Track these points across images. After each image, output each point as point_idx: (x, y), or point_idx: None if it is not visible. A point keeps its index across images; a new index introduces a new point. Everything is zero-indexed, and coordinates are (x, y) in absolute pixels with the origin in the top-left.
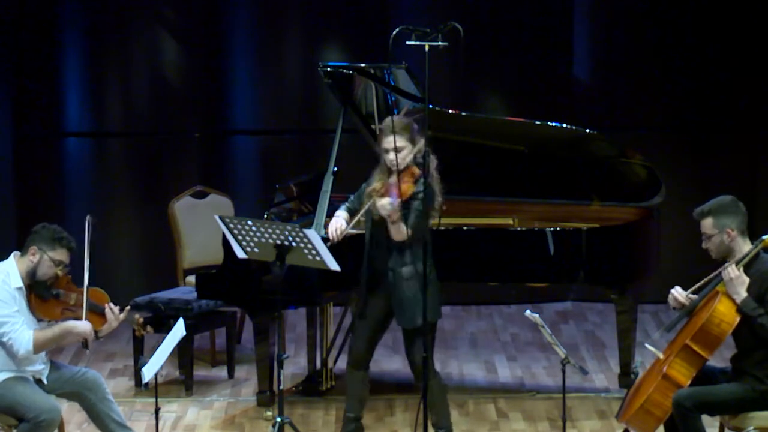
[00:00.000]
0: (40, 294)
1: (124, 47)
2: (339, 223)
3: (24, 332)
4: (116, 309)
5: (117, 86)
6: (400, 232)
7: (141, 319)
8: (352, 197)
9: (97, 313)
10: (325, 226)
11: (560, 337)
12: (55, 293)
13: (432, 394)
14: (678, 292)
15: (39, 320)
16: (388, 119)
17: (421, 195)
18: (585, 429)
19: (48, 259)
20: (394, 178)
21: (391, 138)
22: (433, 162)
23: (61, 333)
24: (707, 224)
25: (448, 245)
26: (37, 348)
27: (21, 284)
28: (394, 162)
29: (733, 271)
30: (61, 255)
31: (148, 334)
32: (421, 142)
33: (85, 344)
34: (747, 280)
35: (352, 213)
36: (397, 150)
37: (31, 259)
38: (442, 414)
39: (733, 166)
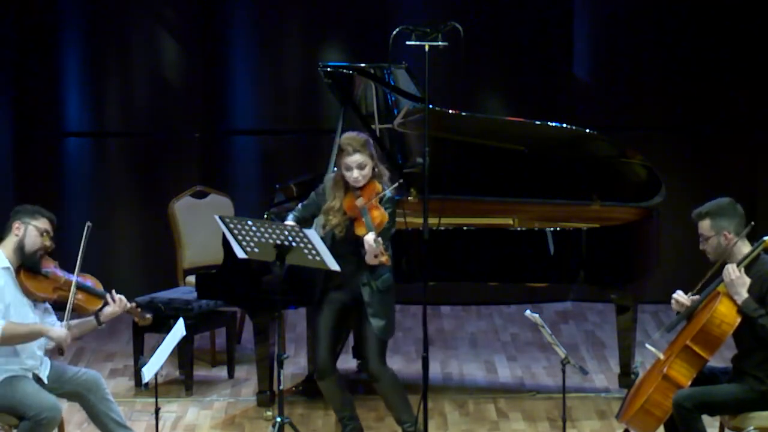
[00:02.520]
0: (30, 269)
1: (124, 47)
2: None
3: None
4: (117, 296)
5: (117, 86)
6: (381, 261)
7: (139, 309)
8: (299, 206)
9: (94, 295)
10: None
11: (560, 337)
12: (45, 273)
13: (385, 391)
14: (680, 296)
15: (34, 301)
16: (348, 137)
17: (389, 211)
18: (585, 429)
19: (33, 227)
20: (361, 201)
21: (356, 156)
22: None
23: (33, 331)
24: (704, 226)
25: (448, 245)
26: (5, 339)
27: (8, 264)
28: (358, 179)
29: (734, 272)
30: (44, 224)
31: (146, 322)
32: (377, 154)
33: (60, 351)
34: (748, 281)
35: (301, 223)
36: (360, 167)
37: (17, 233)
38: (400, 408)
39: (733, 166)
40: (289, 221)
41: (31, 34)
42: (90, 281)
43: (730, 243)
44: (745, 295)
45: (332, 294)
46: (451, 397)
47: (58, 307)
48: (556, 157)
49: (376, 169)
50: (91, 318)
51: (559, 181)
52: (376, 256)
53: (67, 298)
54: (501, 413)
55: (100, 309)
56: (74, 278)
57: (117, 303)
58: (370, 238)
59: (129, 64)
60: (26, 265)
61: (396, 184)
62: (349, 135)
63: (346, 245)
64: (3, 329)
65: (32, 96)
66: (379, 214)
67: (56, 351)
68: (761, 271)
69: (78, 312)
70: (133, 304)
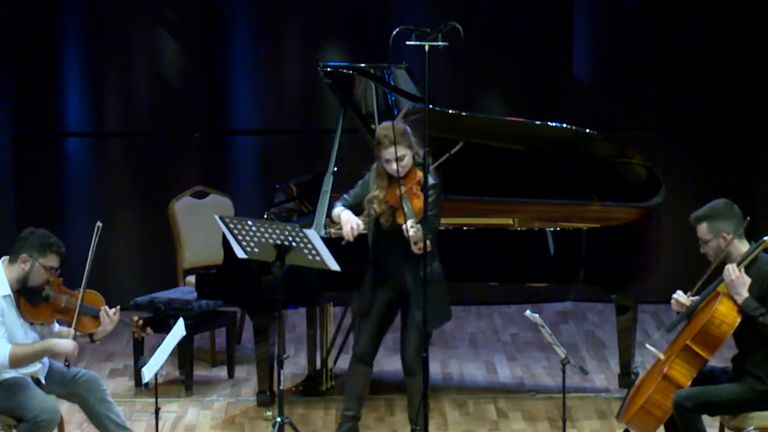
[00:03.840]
0: (30, 299)
1: (124, 47)
2: (355, 222)
3: (1, 345)
4: (111, 312)
5: (117, 86)
6: (424, 248)
7: (140, 321)
8: (345, 195)
9: (91, 315)
10: (326, 226)
11: (560, 337)
12: (45, 296)
13: (414, 388)
14: (680, 296)
15: (32, 324)
16: (384, 128)
17: (431, 199)
18: (585, 429)
19: (39, 266)
20: (403, 189)
21: (391, 149)
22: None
23: (41, 350)
24: (702, 229)
25: (448, 245)
26: (13, 363)
27: (9, 291)
28: (397, 171)
29: (734, 272)
30: (52, 261)
31: (147, 335)
32: (414, 141)
33: (67, 362)
34: (748, 280)
35: (351, 209)
36: (399, 159)
37: (23, 267)
38: (418, 409)
39: (733, 166)
40: (343, 208)
41: (31, 34)
42: (90, 303)
43: (729, 244)
44: (745, 294)
45: (380, 284)
46: (451, 397)
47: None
48: (556, 157)
49: (416, 157)
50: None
51: (559, 181)
52: (416, 244)
53: (65, 320)
54: (501, 413)
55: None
56: (82, 289)
57: (110, 320)
58: (409, 225)
59: (129, 64)
60: (25, 296)
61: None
62: (385, 126)
63: (392, 236)
64: (10, 353)
65: (32, 96)
66: (419, 202)
67: (64, 362)
68: (761, 270)
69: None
70: (136, 318)
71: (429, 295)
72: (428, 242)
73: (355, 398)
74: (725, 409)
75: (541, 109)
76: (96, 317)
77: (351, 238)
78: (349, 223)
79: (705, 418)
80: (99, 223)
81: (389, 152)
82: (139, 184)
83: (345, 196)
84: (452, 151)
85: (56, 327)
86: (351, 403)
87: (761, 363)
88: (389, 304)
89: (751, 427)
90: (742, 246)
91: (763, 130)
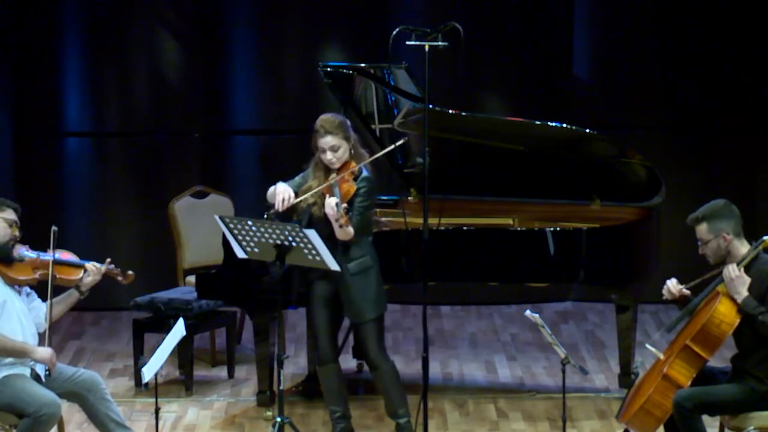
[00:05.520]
0: (4, 259)
1: (124, 47)
2: (287, 194)
3: None
4: (97, 264)
5: (117, 86)
6: (346, 233)
7: (118, 269)
8: (289, 181)
9: (73, 266)
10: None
11: (560, 337)
12: (19, 258)
13: (383, 380)
14: (672, 284)
15: (19, 288)
16: (322, 119)
17: (362, 190)
18: (585, 429)
19: (1, 220)
20: (333, 176)
21: (327, 138)
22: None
23: (19, 349)
24: (702, 230)
25: (448, 245)
26: None
27: None
28: (332, 161)
29: (734, 271)
30: (11, 214)
31: (128, 280)
32: (354, 136)
33: (47, 371)
34: (748, 280)
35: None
36: (333, 149)
37: None
38: (396, 401)
39: (733, 166)
40: (281, 184)
41: (31, 34)
42: (66, 255)
43: (729, 244)
44: (745, 293)
45: (319, 283)
46: (451, 397)
47: (40, 288)
48: (556, 157)
49: (353, 151)
50: (72, 290)
51: (558, 181)
52: (337, 221)
53: (46, 274)
54: (501, 413)
55: (80, 279)
56: (51, 256)
57: (95, 270)
58: (331, 200)
59: (129, 64)
60: (0, 260)
61: (369, 160)
62: (324, 117)
63: (323, 226)
64: None
65: (32, 96)
66: (348, 186)
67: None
68: (761, 270)
69: (60, 285)
70: (111, 266)
71: (358, 286)
72: (347, 217)
73: (336, 396)
74: (725, 410)
75: (541, 109)
76: (78, 267)
77: (280, 209)
78: (282, 193)
79: (705, 418)
80: (54, 228)
81: (324, 141)
82: (139, 184)
83: (288, 182)
84: (396, 144)
85: (40, 306)
86: (333, 403)
87: (761, 363)
88: (332, 296)
89: (751, 427)
90: (742, 246)
91: (763, 130)
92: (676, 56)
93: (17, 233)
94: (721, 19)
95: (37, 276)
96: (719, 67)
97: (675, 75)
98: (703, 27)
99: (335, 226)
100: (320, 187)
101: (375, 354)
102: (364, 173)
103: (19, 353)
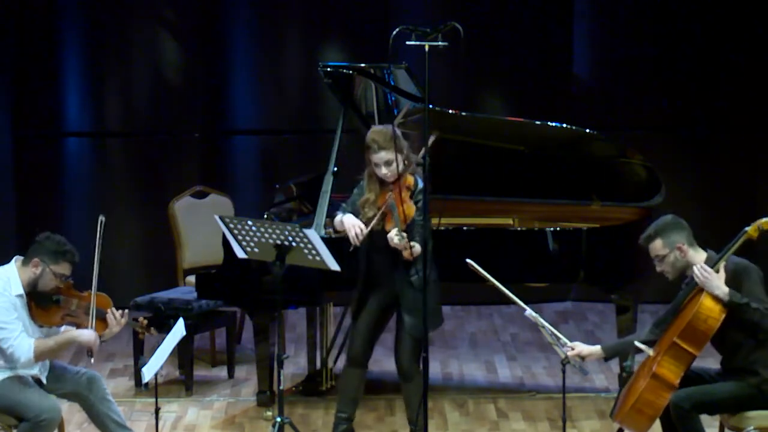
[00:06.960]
0: (40, 303)
1: (124, 47)
2: (358, 226)
3: (24, 340)
4: (118, 314)
5: (117, 86)
6: (413, 254)
7: (145, 321)
8: (344, 204)
9: (99, 318)
10: (326, 226)
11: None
12: (56, 299)
13: (414, 391)
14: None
15: (40, 326)
16: (373, 132)
17: (421, 203)
18: (585, 429)
19: (50, 272)
20: (390, 196)
21: (381, 154)
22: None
23: (64, 342)
24: (657, 246)
25: (448, 245)
26: (38, 357)
27: (22, 291)
28: (387, 175)
29: (701, 272)
30: (64, 269)
31: (152, 335)
32: (405, 144)
33: (90, 353)
34: (722, 273)
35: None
36: (388, 164)
37: (34, 271)
38: (417, 410)
39: (733, 166)
40: (339, 214)
41: (31, 34)
42: (99, 306)
43: (686, 255)
44: (725, 287)
45: (373, 288)
46: (451, 397)
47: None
48: (555, 157)
49: (406, 162)
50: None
51: (558, 181)
52: (404, 250)
53: (74, 323)
54: (501, 413)
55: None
56: (93, 290)
57: (118, 322)
58: (392, 234)
59: (129, 64)
60: (35, 300)
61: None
62: (375, 130)
63: (382, 239)
64: (34, 347)
65: (32, 96)
66: (407, 208)
67: (86, 352)
68: (729, 270)
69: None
70: (141, 318)
71: (421, 301)
72: (417, 247)
73: (350, 401)
74: (724, 408)
75: (541, 109)
76: (103, 320)
77: (358, 243)
78: (354, 228)
79: (704, 418)
80: (102, 217)
81: (378, 157)
82: (139, 184)
83: (343, 205)
84: (428, 144)
85: (62, 328)
86: (345, 406)
87: (749, 355)
88: (382, 306)
89: (751, 427)
90: (698, 254)
91: (763, 130)
92: (676, 56)
93: (62, 286)
94: (721, 20)
95: (62, 323)
96: (719, 68)
97: (675, 75)
98: (703, 27)
99: (404, 252)
100: (379, 213)
101: (410, 365)
102: (420, 185)
103: (66, 345)
